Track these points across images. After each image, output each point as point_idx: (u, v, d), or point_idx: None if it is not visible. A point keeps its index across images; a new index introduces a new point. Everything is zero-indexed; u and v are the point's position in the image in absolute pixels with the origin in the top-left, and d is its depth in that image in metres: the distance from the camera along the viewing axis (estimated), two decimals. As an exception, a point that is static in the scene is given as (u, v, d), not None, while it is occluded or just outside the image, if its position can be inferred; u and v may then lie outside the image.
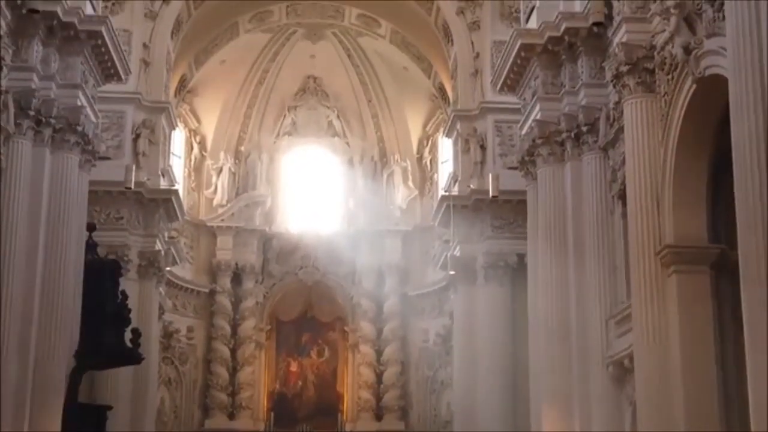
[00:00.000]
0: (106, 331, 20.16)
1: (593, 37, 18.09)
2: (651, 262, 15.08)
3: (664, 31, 15.06)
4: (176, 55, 28.81)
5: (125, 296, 21.12)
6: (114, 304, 20.63)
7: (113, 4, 25.94)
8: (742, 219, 11.49)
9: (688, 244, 14.94)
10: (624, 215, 16.73)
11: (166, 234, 27.32)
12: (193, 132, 34.43)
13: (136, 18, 26.49)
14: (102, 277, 20.49)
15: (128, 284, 23.22)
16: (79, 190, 19.54)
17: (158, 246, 26.23)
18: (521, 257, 24.22)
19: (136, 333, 20.76)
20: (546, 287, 18.95)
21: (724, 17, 12.69)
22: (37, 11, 17.51)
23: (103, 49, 19.69)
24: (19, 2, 17.02)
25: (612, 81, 16.64)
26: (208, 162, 34.74)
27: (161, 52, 27.14)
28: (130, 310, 21.17)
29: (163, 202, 26.46)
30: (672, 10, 14.44)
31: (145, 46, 26.63)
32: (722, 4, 12.79)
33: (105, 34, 19.41)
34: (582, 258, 18.16)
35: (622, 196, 16.73)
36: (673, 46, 14.80)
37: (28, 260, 17.65)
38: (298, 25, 32.86)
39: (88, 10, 19.45)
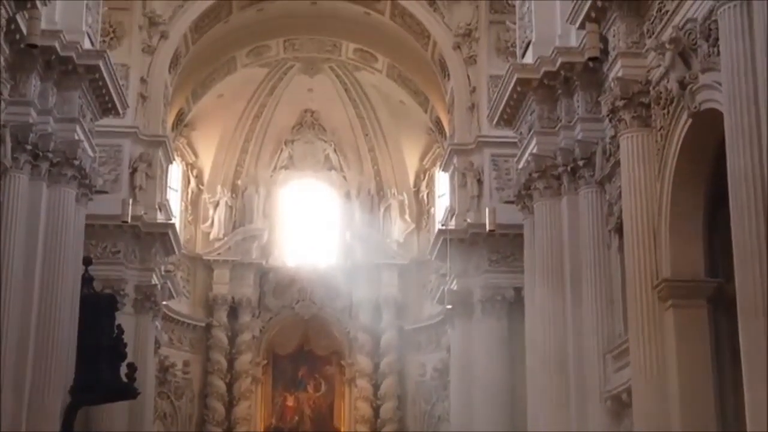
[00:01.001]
0: (101, 366, 20.01)
1: (589, 72, 18.16)
2: (648, 296, 15.05)
3: (659, 66, 15.14)
4: (174, 89, 28.91)
5: (121, 330, 21.00)
6: (110, 339, 20.50)
7: (111, 38, 26.09)
8: (738, 253, 11.51)
9: (685, 277, 14.92)
10: (621, 249, 16.73)
11: (162, 268, 27.28)
12: (190, 166, 34.48)
13: (134, 52, 26.62)
14: (98, 311, 20.38)
15: (124, 318, 23.11)
16: (76, 224, 19.51)
17: (155, 280, 26.19)
18: (518, 291, 24.19)
19: (131, 368, 20.63)
20: (543, 321, 18.90)
21: (719, 52, 12.77)
22: (35, 46, 17.55)
23: (100, 84, 19.74)
24: (17, 37, 17.07)
25: (608, 115, 16.69)
26: (205, 196, 34.76)
27: (159, 87, 27.24)
28: (126, 345, 21.04)
29: (160, 236, 26.45)
30: (667, 45, 14.52)
31: (142, 80, 26.74)
32: (717, 39, 12.87)
33: (103, 68, 19.47)
34: (579, 292, 18.13)
35: (619, 230, 16.73)
36: (668, 81, 14.87)
37: (24, 294, 17.59)
38: (295, 59, 33.02)
39: (86, 44, 19.53)
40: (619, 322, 17.11)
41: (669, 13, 15.05)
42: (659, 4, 15.50)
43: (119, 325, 21.04)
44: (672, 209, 15.05)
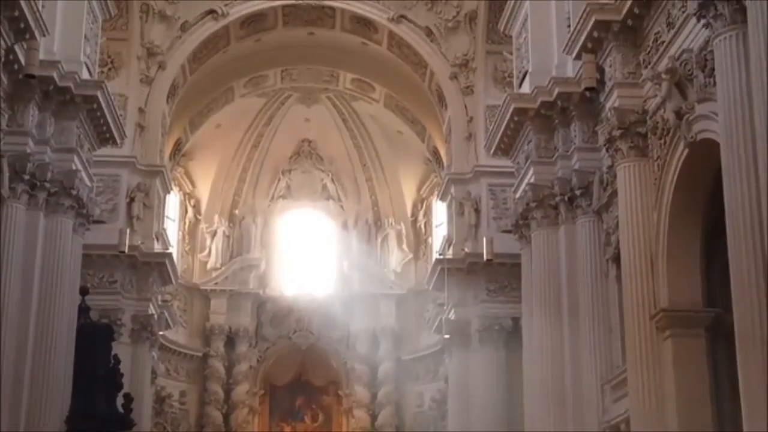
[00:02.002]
0: (97, 396, 19.91)
1: (586, 102, 18.22)
2: (646, 326, 15.02)
3: (655, 96, 15.20)
4: (172, 119, 28.98)
5: (117, 360, 20.91)
6: (106, 369, 20.41)
7: (109, 69, 26.17)
8: (736, 282, 11.51)
9: (683, 307, 14.90)
10: (618, 279, 16.71)
11: (159, 297, 27.21)
12: (187, 195, 34.50)
13: (132, 82, 26.70)
14: (94, 341, 20.31)
15: (121, 348, 23.01)
16: (73, 254, 19.48)
17: (151, 310, 26.12)
18: (516, 321, 24.13)
19: (128, 398, 20.52)
20: (541, 351, 18.85)
21: (715, 83, 12.83)
22: (33, 76, 17.62)
23: (98, 114, 19.79)
24: (15, 67, 17.13)
25: (605, 145, 16.73)
26: (203, 225, 34.75)
27: (157, 117, 27.28)
28: (122, 375, 20.94)
29: (157, 266, 26.40)
30: (663, 76, 14.58)
31: (140, 110, 26.80)
32: (713, 70, 12.92)
33: (101, 98, 19.52)
34: (577, 322, 18.09)
35: (617, 260, 16.73)
36: (665, 111, 14.92)
37: (20, 323, 17.55)
38: (292, 89, 33.14)
39: (85, 74, 19.60)
40: (618, 352, 17.06)
41: (665, 44, 15.14)
42: (655, 34, 15.59)
43: (116, 355, 20.96)
44: (669, 239, 15.05)
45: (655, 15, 15.51)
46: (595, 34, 16.58)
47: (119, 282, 25.17)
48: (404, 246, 34.85)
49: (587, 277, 18.03)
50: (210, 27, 27.73)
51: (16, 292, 17.42)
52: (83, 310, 20.48)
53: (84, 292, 20.62)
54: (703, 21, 12.77)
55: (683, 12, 14.33)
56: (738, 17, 11.97)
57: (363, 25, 28.70)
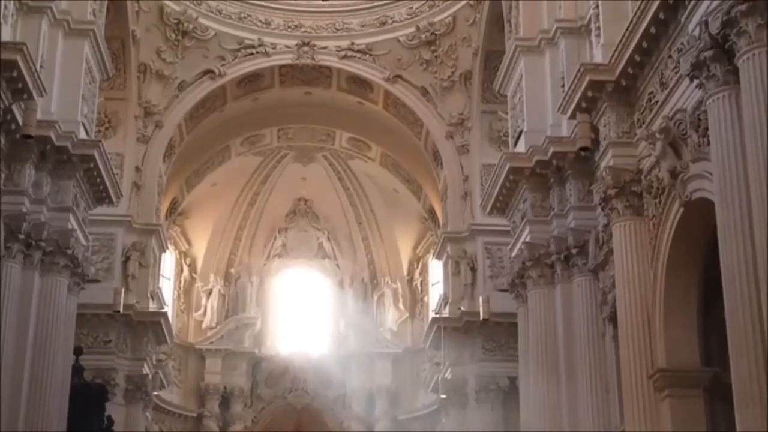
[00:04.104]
0: (90, 458, 19.75)
1: (581, 161, 18.28)
2: (644, 386, 14.92)
3: (650, 155, 15.26)
4: (168, 177, 29.05)
5: (111, 421, 20.75)
6: (100, 430, 20.25)
7: (106, 128, 26.29)
8: (733, 342, 11.46)
9: (681, 367, 14.82)
10: (615, 338, 16.62)
11: (154, 357, 27.04)
12: (183, 254, 34.47)
13: (128, 141, 26.81)
14: (88, 401, 20.15)
15: (115, 409, 22.85)
16: (67, 314, 19.39)
17: (146, 370, 25.93)
18: (513, 380, 23.97)
19: (121, 459, 20.36)
20: (538, 411, 18.70)
21: (708, 142, 12.89)
22: (30, 136, 17.67)
23: (95, 173, 19.82)
24: (13, 127, 17.18)
25: (600, 204, 16.75)
26: (198, 284, 34.68)
27: (153, 176, 27.34)
28: (116, 436, 20.80)
29: (152, 325, 26.27)
30: (657, 135, 14.66)
31: (137, 169, 26.86)
32: (707, 130, 13.00)
33: (97, 158, 19.56)
34: (574, 381, 17.96)
35: (613, 319, 16.66)
36: (659, 170, 14.97)
37: (13, 383, 17.37)
38: (289, 148, 33.30)
39: (82, 134, 19.64)
40: (615, 411, 16.91)
41: (659, 104, 15.24)
42: (649, 94, 15.71)
43: (109, 416, 20.81)
44: (666, 298, 15.01)
45: (649, 75, 15.64)
46: (590, 93, 16.70)
47: (114, 341, 25.02)
48: (400, 305, 34.77)
49: (584, 336, 17.93)
50: (207, 86, 27.95)
51: (9, 352, 17.28)
52: (77, 370, 20.34)
53: (78, 352, 20.49)
54: (696, 81, 12.87)
55: (676, 72, 14.45)
56: (730, 78, 12.07)
57: (359, 84, 28.94)
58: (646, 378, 14.92)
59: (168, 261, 32.18)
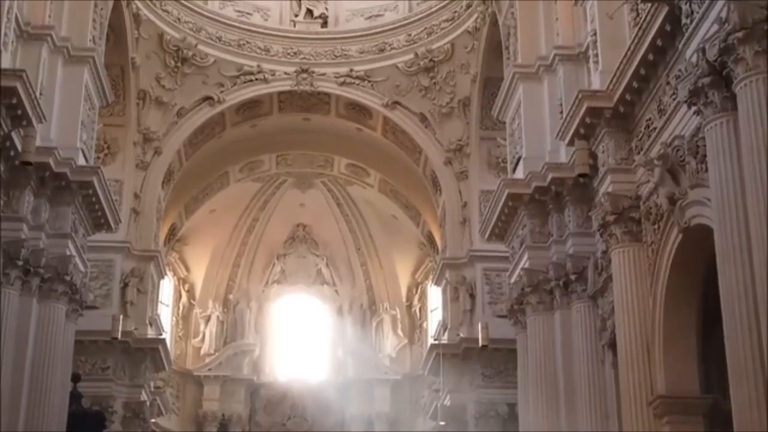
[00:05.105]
0: (88, 486, 19.65)
1: (579, 187, 18.31)
2: (644, 413, 14.86)
3: (648, 181, 15.28)
4: (167, 204, 29.06)
5: (109, 449, 20.69)
6: (97, 457, 20.18)
7: (105, 154, 26.31)
8: (733, 369, 11.42)
9: (681, 394, 14.77)
10: (615, 365, 16.58)
11: (152, 384, 26.94)
12: (181, 280, 34.42)
13: (127, 168, 26.81)
14: (86, 428, 20.06)
15: (112, 436, 22.77)
16: (65, 340, 19.33)
17: (144, 396, 25.82)
18: (512, 407, 23.86)
19: (118, 487, 20.25)
20: (538, 438, 18.64)
21: (707, 169, 12.90)
22: (29, 163, 17.68)
23: (93, 199, 19.84)
24: (12, 154, 17.20)
25: (599, 230, 16.76)
26: (197, 310, 34.61)
27: (152, 202, 27.34)
28: (113, 464, 20.70)
29: (150, 352, 26.19)
30: (656, 162, 14.69)
31: (136, 195, 26.86)
32: (705, 156, 13.01)
33: (96, 184, 19.59)
34: (573, 408, 17.90)
35: (613, 345, 16.62)
36: (658, 197, 14.98)
37: (11, 411, 17.31)
38: (287, 174, 33.33)
39: (81, 160, 19.67)
40: (615, 439, 16.86)
41: (657, 130, 15.28)
42: (647, 121, 15.75)
43: (107, 444, 20.72)
44: (665, 324, 14.98)
45: (647, 102, 15.68)
46: (588, 120, 16.73)
47: (111, 368, 24.90)
48: (399, 331, 34.69)
49: (583, 362, 17.89)
50: (206, 113, 28.01)
51: (7, 379, 17.22)
52: (75, 397, 20.26)
53: (76, 379, 20.42)
54: (693, 108, 12.90)
55: (674, 99, 14.49)
56: (728, 104, 12.10)
57: (358, 111, 29.01)
58: (646, 405, 14.86)
59: (166, 287, 32.13)
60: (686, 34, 12.95)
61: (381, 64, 28.38)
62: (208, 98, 27.93)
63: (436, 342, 27.63)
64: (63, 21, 20.13)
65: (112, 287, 25.74)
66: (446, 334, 27.19)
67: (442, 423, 26.70)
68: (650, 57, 14.90)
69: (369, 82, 28.39)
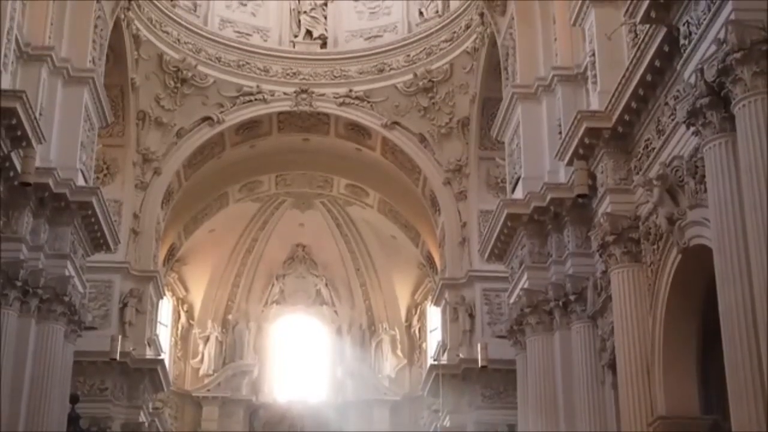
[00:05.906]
0: (85, 508, 19.55)
1: (578, 208, 18.31)
2: (644, 434, 14.83)
3: (647, 202, 15.29)
4: (166, 224, 29.06)
5: (107, 470, 20.61)
6: (95, 479, 20.10)
7: (105, 174, 26.32)
8: (733, 389, 11.39)
9: (681, 414, 14.72)
10: (615, 385, 16.54)
11: (150, 405, 26.85)
12: (180, 300, 34.37)
13: (127, 188, 26.82)
14: (84, 450, 20.03)
15: (110, 457, 22.68)
16: (64, 361, 19.28)
17: (142, 417, 25.73)
18: (512, 427, 23.79)
19: None
20: (538, 459, 18.57)
21: (706, 189, 12.91)
22: (29, 184, 17.68)
23: (93, 220, 19.83)
24: (11, 174, 17.21)
25: (598, 251, 16.75)
26: (196, 331, 34.54)
27: (151, 222, 27.34)
28: (111, 485, 20.61)
29: (149, 372, 26.12)
30: (655, 182, 14.70)
31: (135, 216, 26.86)
32: (704, 176, 13.02)
33: (95, 205, 19.58)
34: (573, 428, 17.85)
35: (612, 366, 16.59)
36: (657, 217, 14.99)
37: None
38: (287, 194, 33.34)
39: (80, 181, 19.68)
40: (616, 460, 16.80)
41: (656, 150, 15.30)
42: (646, 141, 15.77)
43: (105, 465, 20.65)
44: (665, 345, 14.96)
45: (645, 122, 15.72)
46: (587, 140, 16.76)
47: (110, 389, 24.81)
48: (398, 351, 34.62)
49: (583, 383, 17.84)
50: (205, 133, 28.05)
51: (5, 400, 17.16)
52: (73, 418, 20.21)
53: (74, 400, 20.38)
54: (692, 128, 12.92)
55: (673, 119, 14.52)
56: (727, 125, 12.11)
57: (357, 131, 29.06)
58: (646, 425, 14.82)
59: (165, 308, 32.08)
60: (684, 55, 12.99)
61: (380, 84, 28.44)
62: (207, 119, 27.98)
63: (436, 362, 27.56)
64: (63, 42, 20.19)
65: (111, 308, 25.69)
66: (446, 354, 27.13)
67: (442, 444, 26.62)
68: (649, 78, 14.95)
69: (368, 102, 28.46)
